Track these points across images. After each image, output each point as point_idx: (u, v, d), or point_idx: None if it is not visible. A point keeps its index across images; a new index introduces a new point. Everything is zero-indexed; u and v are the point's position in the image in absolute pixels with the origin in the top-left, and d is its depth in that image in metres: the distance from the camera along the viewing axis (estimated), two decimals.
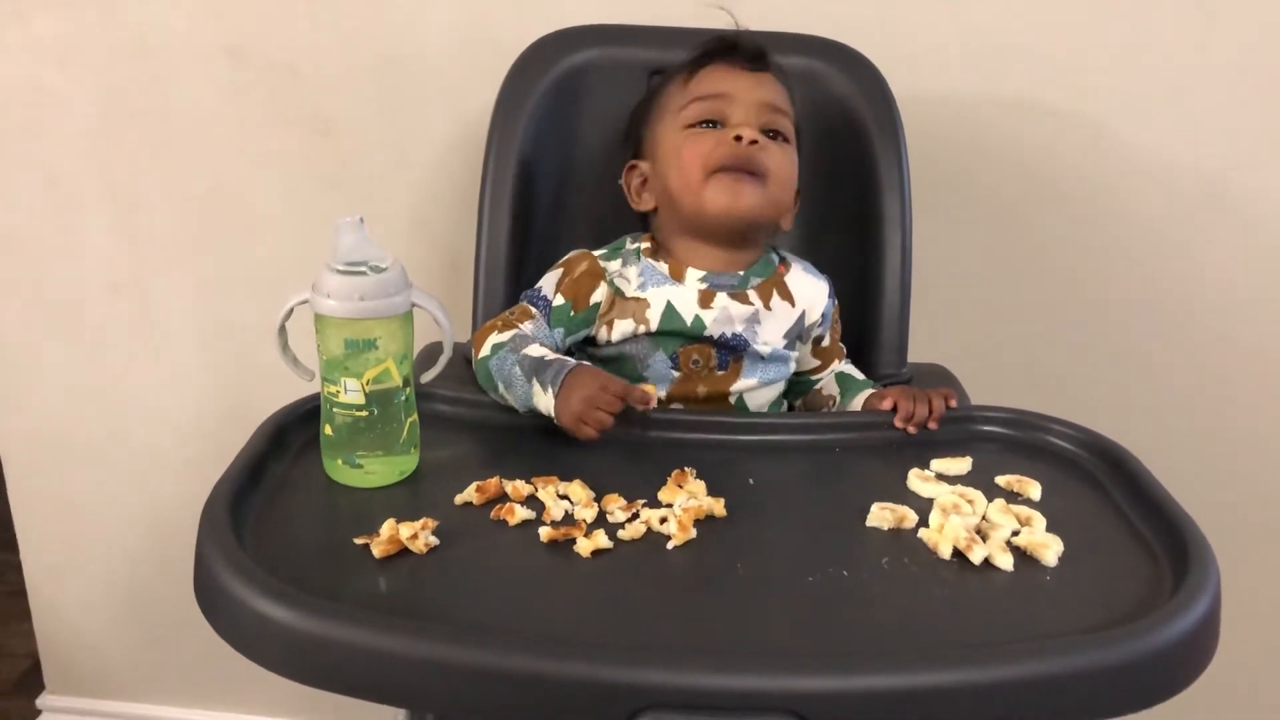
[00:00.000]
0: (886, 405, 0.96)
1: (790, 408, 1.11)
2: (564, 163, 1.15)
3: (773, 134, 1.00)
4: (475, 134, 1.15)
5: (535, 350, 0.93)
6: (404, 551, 0.73)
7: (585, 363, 0.91)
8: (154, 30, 1.28)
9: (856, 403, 1.03)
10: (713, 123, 0.99)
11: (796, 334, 1.04)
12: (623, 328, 1.00)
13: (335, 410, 0.81)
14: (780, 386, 1.05)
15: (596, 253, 1.03)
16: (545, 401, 0.89)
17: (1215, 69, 1.21)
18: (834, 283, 1.09)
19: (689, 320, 0.99)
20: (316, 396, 0.84)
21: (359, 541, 0.73)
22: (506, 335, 0.96)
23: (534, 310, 1.01)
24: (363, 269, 0.79)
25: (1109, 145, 1.25)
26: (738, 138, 0.97)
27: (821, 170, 1.12)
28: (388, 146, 1.31)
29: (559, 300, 1.01)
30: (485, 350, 0.96)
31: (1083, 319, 1.33)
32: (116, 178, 1.35)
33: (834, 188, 1.14)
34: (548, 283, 1.03)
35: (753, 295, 1.02)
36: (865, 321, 1.11)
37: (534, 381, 0.90)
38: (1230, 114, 1.23)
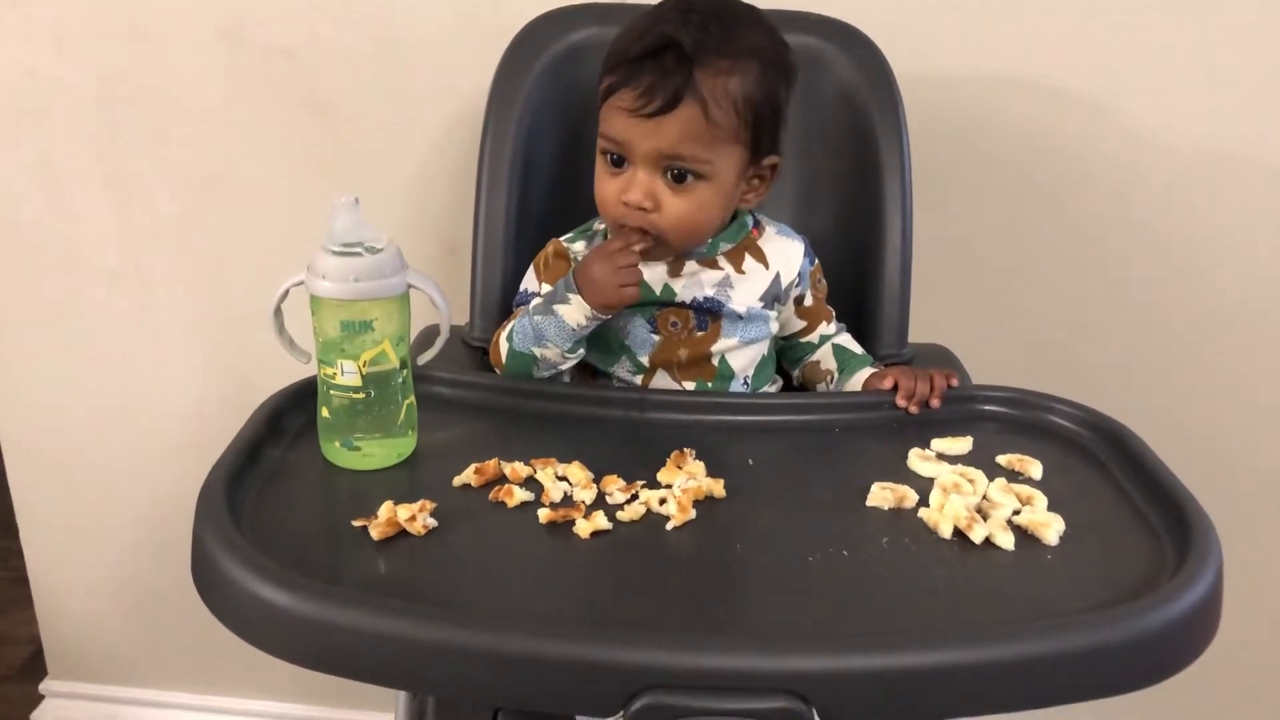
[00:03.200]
0: (887, 385, 0.95)
1: (787, 379, 1.11)
2: (562, 143, 1.14)
3: (677, 173, 0.94)
4: (474, 115, 1.14)
5: (535, 300, 0.99)
6: (402, 534, 0.73)
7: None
8: (149, 14, 1.27)
9: (856, 380, 1.03)
10: (620, 157, 0.95)
11: (774, 295, 1.03)
12: None
13: (332, 393, 0.81)
14: (763, 347, 1.04)
15: (563, 238, 1.06)
16: (577, 308, 0.94)
17: (1217, 41, 1.20)
18: (834, 263, 1.09)
19: (658, 290, 1.00)
20: (314, 379, 0.84)
21: (357, 524, 0.73)
22: (510, 323, 0.99)
23: (526, 309, 1.02)
24: (358, 250, 0.78)
25: (1111, 122, 1.24)
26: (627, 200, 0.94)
27: (822, 150, 1.12)
28: (385, 129, 1.30)
29: (545, 289, 1.03)
30: (503, 345, 0.99)
31: (1084, 298, 1.32)
32: (114, 163, 1.34)
33: (834, 167, 1.13)
34: (529, 280, 1.06)
35: (722, 261, 1.02)
36: (866, 302, 1.11)
37: (556, 309, 0.95)
38: (1234, 87, 1.22)
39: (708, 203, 0.96)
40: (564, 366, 0.99)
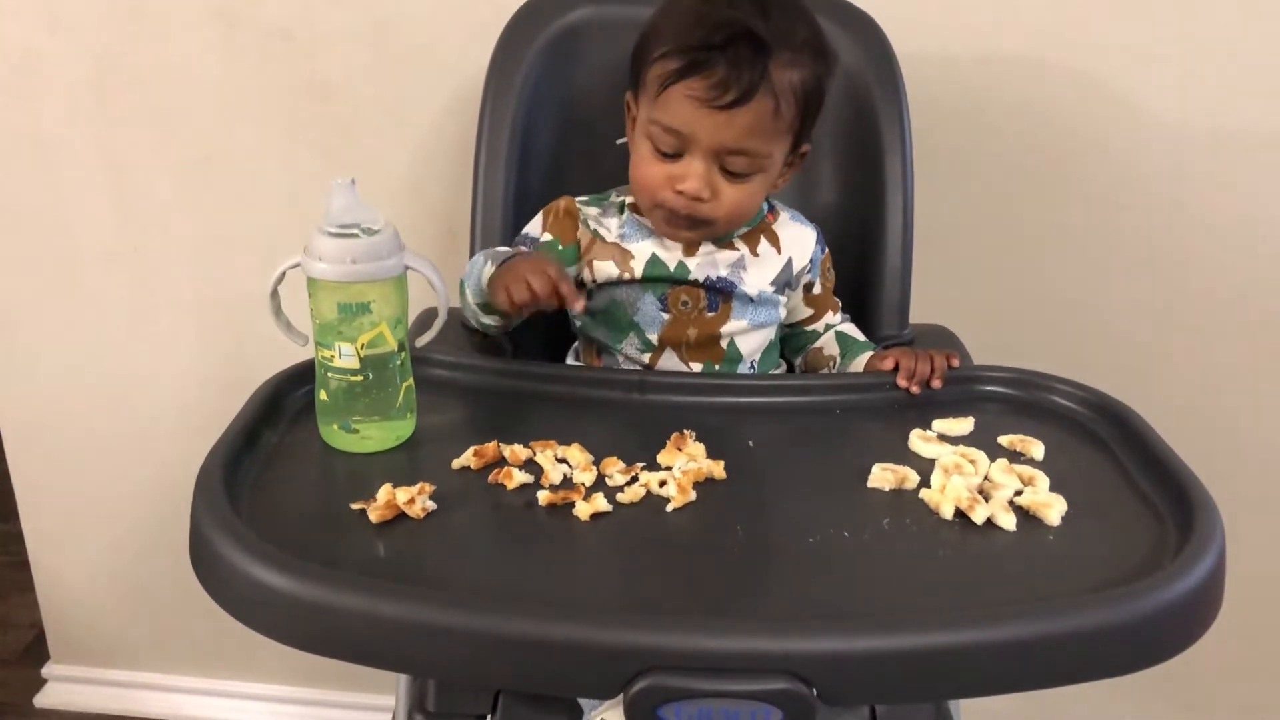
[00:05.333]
0: (888, 365, 0.95)
1: (790, 367, 1.11)
2: (560, 123, 1.13)
3: (733, 172, 0.93)
4: (472, 96, 1.13)
5: (506, 250, 0.98)
6: (401, 517, 0.73)
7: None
8: None
9: (857, 364, 1.03)
10: (670, 149, 0.94)
11: (785, 280, 1.03)
12: (604, 269, 1.00)
13: (330, 375, 0.80)
14: (771, 332, 1.04)
15: (580, 198, 1.05)
16: (487, 273, 0.93)
17: (1225, 19, 1.19)
18: (835, 243, 1.08)
19: (672, 266, 1.00)
20: (312, 362, 0.83)
21: (356, 507, 0.73)
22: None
23: (523, 248, 1.02)
24: (355, 231, 0.78)
25: (1113, 102, 1.23)
26: (683, 190, 0.93)
27: (823, 130, 1.11)
28: (383, 109, 1.29)
29: (546, 236, 1.03)
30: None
31: (1086, 278, 1.32)
32: (111, 145, 1.34)
33: (835, 147, 1.13)
34: (532, 226, 1.05)
35: (738, 243, 1.02)
36: (867, 282, 1.11)
37: (489, 264, 0.94)
38: (1236, 68, 1.21)
39: (758, 192, 0.96)
40: (482, 322, 0.99)
